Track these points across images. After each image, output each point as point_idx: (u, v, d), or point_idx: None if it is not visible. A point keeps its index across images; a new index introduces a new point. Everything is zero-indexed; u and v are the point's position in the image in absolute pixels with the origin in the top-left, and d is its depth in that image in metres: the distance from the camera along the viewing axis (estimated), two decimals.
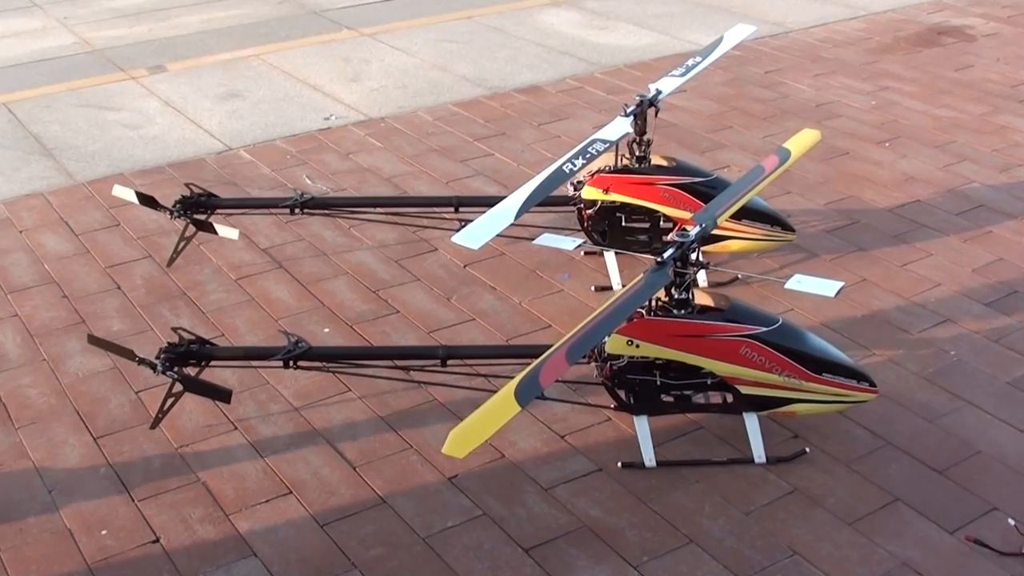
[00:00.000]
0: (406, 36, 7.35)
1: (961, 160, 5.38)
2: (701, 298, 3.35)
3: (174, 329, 3.45)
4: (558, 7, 6.89)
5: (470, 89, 6.34)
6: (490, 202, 4.46)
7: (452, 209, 4.35)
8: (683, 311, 3.28)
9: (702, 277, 4.23)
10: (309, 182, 5.24)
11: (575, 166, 3.70)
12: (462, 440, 2.53)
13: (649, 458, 3.37)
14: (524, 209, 3.40)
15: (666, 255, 3.15)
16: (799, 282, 3.12)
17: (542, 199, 3.54)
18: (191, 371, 3.45)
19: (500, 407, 2.60)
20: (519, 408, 2.60)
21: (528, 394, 2.64)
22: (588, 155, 3.77)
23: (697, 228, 3.25)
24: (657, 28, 7.39)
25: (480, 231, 3.27)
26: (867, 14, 7.76)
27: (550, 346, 3.39)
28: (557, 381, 3.53)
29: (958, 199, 4.99)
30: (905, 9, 7.86)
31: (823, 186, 5.08)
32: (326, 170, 5.38)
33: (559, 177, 3.64)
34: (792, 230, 4.31)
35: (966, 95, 6.21)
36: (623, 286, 4.20)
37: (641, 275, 3.13)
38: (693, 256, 3.24)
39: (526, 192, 3.47)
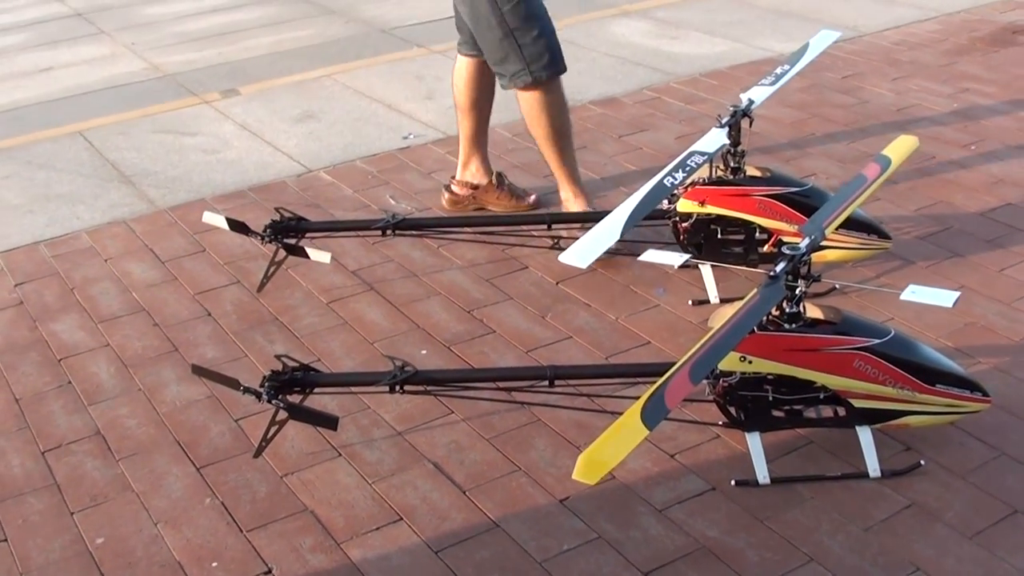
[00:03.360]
0: None
1: None
2: (811, 311, 3.30)
3: (277, 356, 3.43)
4: (628, 17, 6.83)
5: None
6: (582, 218, 4.46)
7: (546, 226, 4.32)
8: (794, 325, 3.23)
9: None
10: (393, 202, 5.22)
11: (676, 179, 3.66)
12: (592, 465, 2.48)
13: (763, 475, 3.31)
14: (630, 225, 3.36)
15: (778, 269, 3.10)
16: (914, 293, 3.06)
17: (646, 214, 3.50)
18: (295, 398, 3.43)
19: (628, 431, 2.55)
20: (647, 431, 2.55)
21: (655, 416, 2.59)
22: (687, 168, 3.73)
23: (807, 240, 3.20)
24: (729, 36, 7.33)
25: (587, 249, 3.23)
26: (939, 15, 7.67)
27: (656, 364, 3.36)
28: None
29: None
30: (977, 9, 7.76)
31: (912, 192, 5.00)
32: (409, 189, 5.36)
33: (661, 191, 3.60)
34: (888, 238, 4.24)
35: None
36: (720, 299, 4.16)
37: (755, 290, 3.08)
38: (804, 269, 3.19)
39: (629, 207, 3.43)
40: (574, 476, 2.47)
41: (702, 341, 2.86)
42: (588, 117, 6.06)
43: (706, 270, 4.22)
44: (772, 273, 3.09)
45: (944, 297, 3.03)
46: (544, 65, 4.49)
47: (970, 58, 6.74)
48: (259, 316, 4.38)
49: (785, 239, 4.08)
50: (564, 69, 4.60)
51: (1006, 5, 7.80)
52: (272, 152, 5.92)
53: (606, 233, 3.29)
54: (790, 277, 3.14)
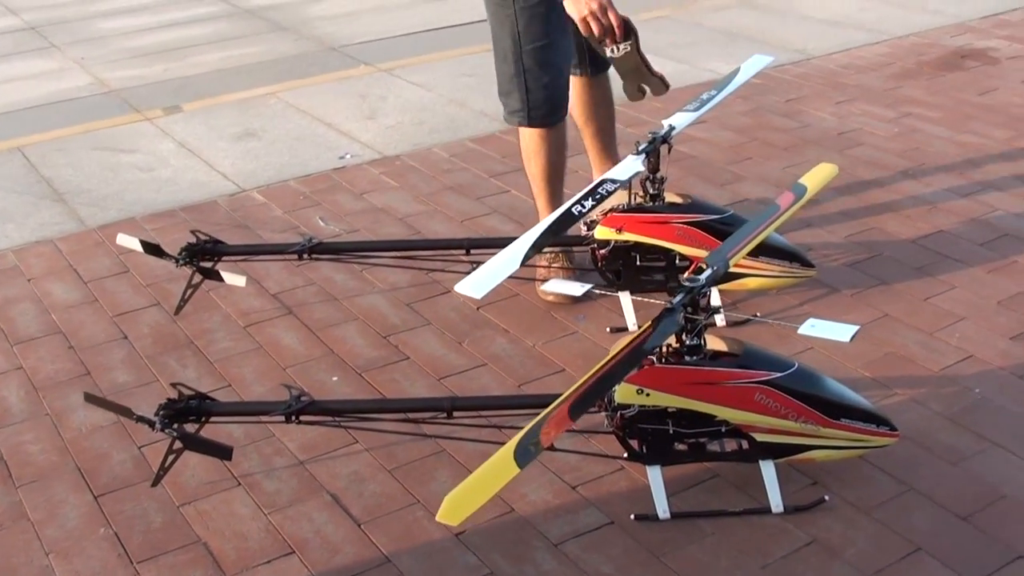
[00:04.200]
0: (424, 70, 7.29)
1: (986, 188, 5.25)
2: (714, 343, 3.25)
3: (173, 384, 3.38)
4: None
5: (487, 124, 6.26)
6: (502, 243, 4.38)
7: (464, 252, 4.26)
8: (694, 358, 3.17)
9: (720, 318, 4.13)
10: (322, 224, 5.17)
11: (584, 207, 3.60)
12: (458, 506, 2.43)
13: (663, 510, 3.25)
14: (530, 255, 3.31)
15: (675, 300, 3.05)
16: (813, 327, 3.01)
17: (551, 242, 3.45)
18: (192, 427, 3.37)
19: (498, 469, 2.50)
20: (518, 470, 2.50)
21: (528, 455, 2.54)
22: (598, 196, 3.68)
23: (708, 272, 3.15)
24: (676, 57, 7.29)
25: (484, 279, 3.17)
26: (890, 38, 7.65)
27: (556, 395, 3.30)
28: (571, 431, 3.45)
29: (983, 228, 4.86)
30: (928, 33, 7.74)
31: (845, 218, 4.96)
32: (339, 211, 5.30)
33: (568, 220, 3.54)
34: (811, 266, 4.20)
35: (991, 120, 6.08)
36: (639, 327, 4.11)
37: (649, 323, 3.03)
38: (704, 301, 3.14)
39: (532, 237, 3.37)
40: (438, 518, 2.42)
41: (588, 374, 2.80)
42: None
43: (625, 298, 4.17)
44: (669, 305, 3.04)
45: (842, 332, 2.99)
46: (543, 113, 4.39)
47: (916, 82, 6.72)
48: (175, 340, 4.32)
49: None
50: (561, 119, 4.46)
51: (957, 29, 7.78)
52: (207, 171, 5.86)
53: (505, 263, 3.23)
54: (689, 309, 3.09)
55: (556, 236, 3.48)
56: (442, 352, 4.13)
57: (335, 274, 4.67)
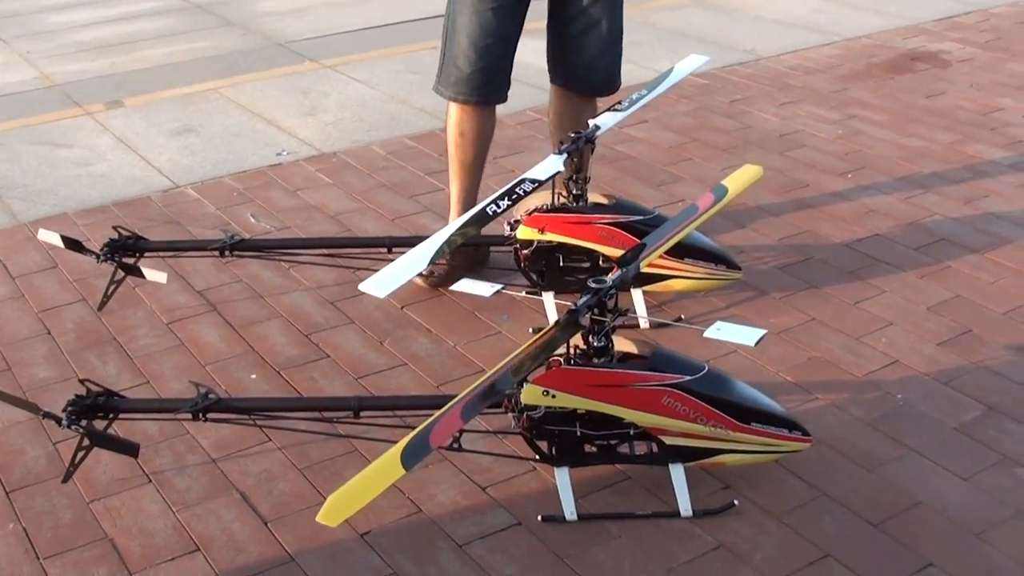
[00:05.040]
0: (368, 67, 7.25)
1: (925, 191, 5.25)
2: (623, 345, 3.23)
3: (81, 381, 3.33)
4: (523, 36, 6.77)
5: (428, 121, 6.23)
6: (420, 242, 4.36)
7: (386, 249, 4.23)
8: (602, 359, 3.15)
9: (644, 321, 4.11)
10: (253, 220, 5.13)
11: (499, 207, 3.57)
12: (339, 507, 2.40)
13: (570, 511, 3.23)
14: (439, 254, 3.28)
15: (580, 303, 3.03)
16: (719, 330, 2.98)
17: (465, 242, 3.42)
18: (102, 424, 3.33)
19: (384, 471, 2.47)
20: (404, 471, 2.47)
21: (415, 456, 2.52)
22: (515, 195, 3.65)
23: (617, 273, 3.14)
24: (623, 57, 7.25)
25: (388, 278, 3.14)
26: (841, 39, 7.65)
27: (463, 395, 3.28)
28: (484, 432, 3.44)
29: (919, 232, 4.86)
30: (880, 34, 7.75)
31: (779, 220, 4.95)
32: (272, 207, 5.26)
33: (482, 219, 3.51)
34: (738, 268, 4.19)
35: (936, 123, 6.09)
36: None
37: (552, 324, 3.00)
38: (612, 302, 3.11)
39: (443, 236, 3.34)
40: (318, 518, 2.39)
41: (485, 376, 2.78)
42: None
43: (548, 298, 4.15)
44: (573, 307, 3.02)
45: (748, 335, 2.97)
46: (450, 84, 4.33)
47: (863, 84, 6.72)
48: (98, 336, 4.27)
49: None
50: (478, 101, 4.35)
51: (911, 32, 7.79)
52: (144, 166, 5.81)
53: (411, 262, 3.20)
54: (595, 311, 3.07)
55: (467, 236, 3.45)
56: (363, 351, 4.10)
57: (262, 271, 4.64)
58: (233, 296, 4.49)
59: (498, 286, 3.25)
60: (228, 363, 4.06)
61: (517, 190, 3.67)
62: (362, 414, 3.28)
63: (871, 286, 4.43)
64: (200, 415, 3.27)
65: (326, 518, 2.38)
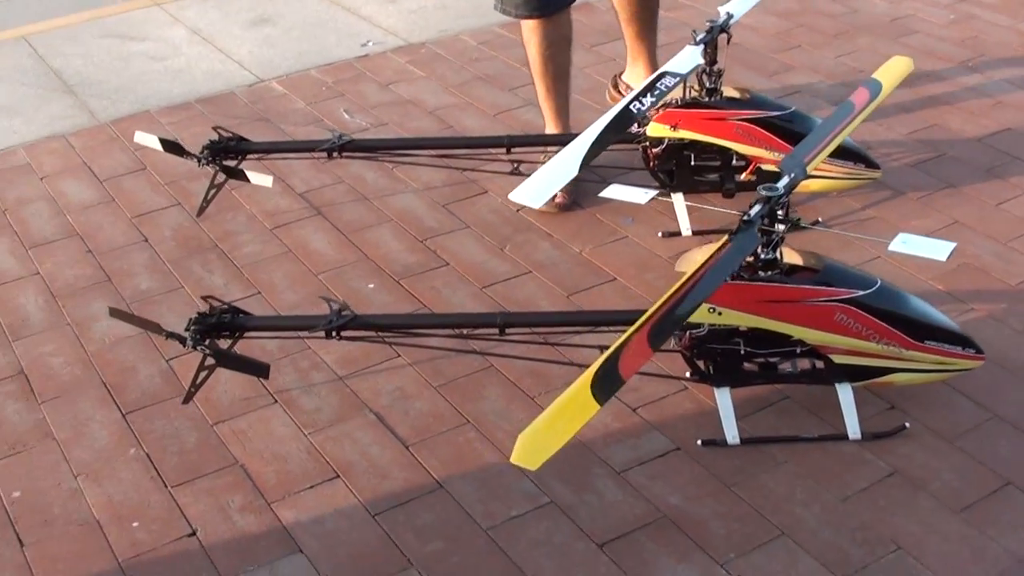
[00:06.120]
0: None
1: None
2: (790, 257, 3.00)
3: (204, 298, 3.15)
4: None
5: None
6: (545, 141, 4.14)
7: (504, 150, 3.99)
8: (770, 273, 2.93)
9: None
10: (347, 117, 4.88)
11: (643, 105, 3.33)
12: (534, 447, 2.20)
13: (732, 435, 3.03)
14: (590, 158, 3.04)
15: (752, 212, 2.80)
16: (904, 243, 2.76)
17: (609, 145, 3.18)
18: (225, 343, 3.14)
19: (576, 407, 2.26)
20: (598, 407, 2.27)
21: (607, 390, 2.31)
22: (658, 91, 3.40)
23: (786, 179, 2.89)
24: None
25: (540, 186, 2.92)
26: None
27: (618, 312, 3.07)
28: None
29: None
30: None
31: (904, 113, 4.66)
32: (365, 103, 5.01)
33: (627, 118, 3.27)
34: (877, 167, 3.94)
35: None
36: (691, 231, 3.88)
37: (726, 237, 2.77)
38: (782, 212, 2.88)
39: (590, 137, 3.10)
40: (512, 460, 2.19)
41: (664, 297, 2.56)
42: None
43: (678, 200, 3.92)
44: (746, 217, 2.79)
45: (938, 249, 2.74)
46: (515, 3, 4.08)
47: None
48: (198, 243, 4.07)
49: (764, 167, 3.78)
50: (544, 13, 4.09)
51: None
52: (223, 60, 5.55)
53: (562, 169, 2.97)
54: (766, 221, 2.84)
55: (614, 137, 3.21)
56: (483, 258, 3.88)
57: (365, 172, 4.41)
58: (337, 199, 4.27)
59: (652, 192, 3.02)
60: (342, 271, 3.85)
61: (659, 85, 3.43)
62: (507, 331, 3.08)
63: (1011, 185, 4.16)
64: (335, 333, 3.07)
65: (522, 460, 2.18)
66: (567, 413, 2.25)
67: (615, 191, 3.04)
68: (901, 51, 5.20)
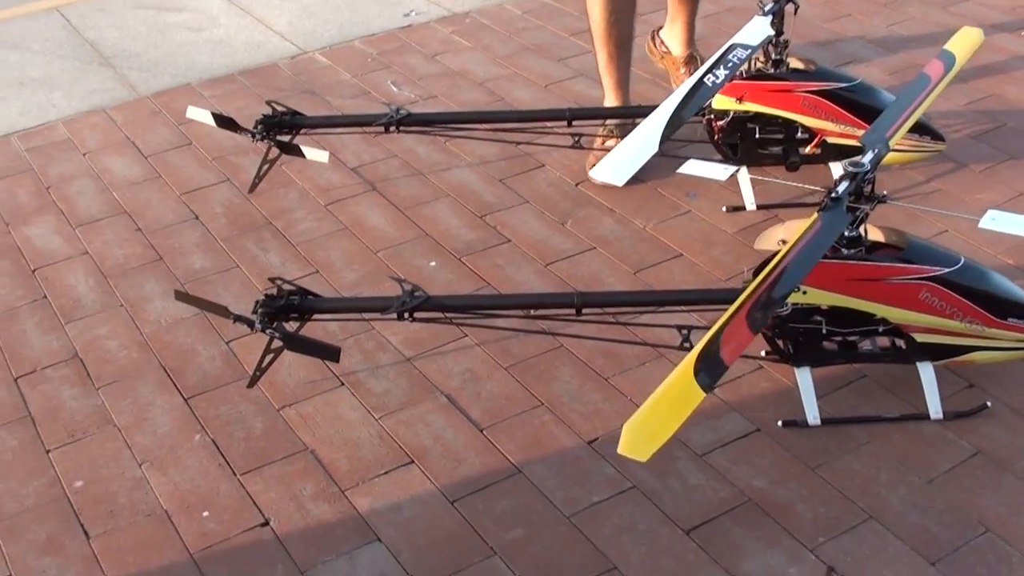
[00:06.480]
0: None
1: None
2: (873, 234, 2.93)
3: (272, 280, 3.08)
4: None
5: None
6: (608, 114, 4.07)
7: (565, 123, 3.92)
8: (854, 251, 2.86)
9: None
10: (395, 89, 4.80)
11: (718, 78, 3.25)
12: (641, 437, 2.13)
13: (813, 416, 2.97)
14: (668, 134, 2.97)
15: (840, 190, 2.73)
16: (994, 220, 2.67)
17: (687, 119, 3.11)
18: (291, 325, 3.08)
19: (680, 394, 2.20)
20: (704, 394, 2.20)
21: (712, 375, 2.24)
22: (730, 64, 3.32)
23: (870, 154, 2.82)
24: None
25: (622, 164, 2.85)
26: None
27: (698, 291, 3.01)
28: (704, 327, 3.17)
29: None
30: None
31: (961, 83, 4.57)
32: (412, 75, 4.93)
33: (703, 92, 3.20)
34: (942, 139, 3.87)
35: None
36: (756, 206, 3.81)
37: (815, 215, 2.70)
38: (868, 188, 2.81)
39: (667, 113, 3.03)
40: (620, 450, 2.12)
41: (759, 278, 2.49)
42: None
43: (742, 173, 3.84)
44: (834, 195, 2.72)
45: None
46: None
47: None
48: (251, 220, 4.01)
49: (828, 140, 3.71)
50: None
51: None
52: (263, 31, 5.47)
53: (643, 144, 2.90)
54: (852, 198, 2.77)
55: (692, 112, 3.14)
56: (545, 234, 3.81)
57: (417, 146, 4.33)
58: (390, 173, 4.20)
59: (732, 168, 2.95)
60: (401, 249, 3.79)
61: (730, 57, 3.35)
62: (583, 312, 3.01)
63: None
64: (407, 315, 3.01)
65: (630, 450, 2.11)
66: (672, 401, 2.19)
67: (693, 167, 2.95)
68: (951, 20, 5.12)
